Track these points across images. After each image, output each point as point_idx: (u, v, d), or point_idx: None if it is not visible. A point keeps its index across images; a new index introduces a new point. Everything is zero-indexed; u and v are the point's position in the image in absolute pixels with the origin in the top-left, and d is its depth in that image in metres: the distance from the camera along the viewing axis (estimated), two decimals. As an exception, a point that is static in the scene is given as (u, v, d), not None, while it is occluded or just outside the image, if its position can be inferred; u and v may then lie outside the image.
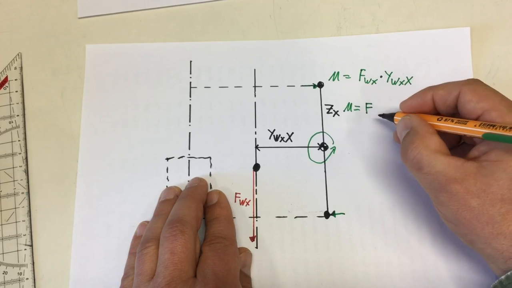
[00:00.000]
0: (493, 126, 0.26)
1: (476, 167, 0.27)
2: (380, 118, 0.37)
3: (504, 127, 0.25)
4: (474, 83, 0.29)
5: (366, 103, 0.38)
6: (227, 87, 0.39)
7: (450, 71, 0.37)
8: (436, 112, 0.32)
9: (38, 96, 0.39)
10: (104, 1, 0.41)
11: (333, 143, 0.37)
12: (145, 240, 0.31)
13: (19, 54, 0.40)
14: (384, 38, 0.39)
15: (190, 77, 0.39)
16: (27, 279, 0.35)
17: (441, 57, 0.38)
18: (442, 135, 0.29)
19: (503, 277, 0.27)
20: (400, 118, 0.32)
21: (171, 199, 0.34)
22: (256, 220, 0.36)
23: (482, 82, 0.29)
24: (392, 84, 0.38)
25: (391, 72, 0.38)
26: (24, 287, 0.35)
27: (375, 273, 0.34)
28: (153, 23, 0.40)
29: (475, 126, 0.27)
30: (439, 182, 0.27)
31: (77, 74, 0.39)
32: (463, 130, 0.28)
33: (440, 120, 0.30)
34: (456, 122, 0.29)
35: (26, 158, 0.38)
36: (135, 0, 0.41)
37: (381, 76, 0.38)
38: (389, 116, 0.35)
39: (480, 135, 0.27)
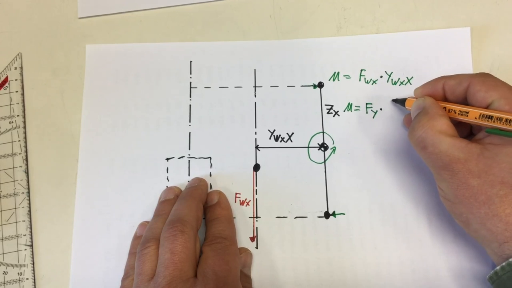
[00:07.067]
0: (491, 118, 0.28)
1: (480, 149, 0.28)
2: (380, 117, 0.37)
3: (500, 119, 0.27)
4: (484, 75, 0.30)
5: (366, 103, 0.38)
6: (227, 87, 0.39)
7: (450, 71, 0.37)
8: (446, 100, 0.33)
9: (38, 96, 0.39)
10: (104, 1, 0.41)
11: (333, 144, 0.37)
12: (145, 240, 0.31)
13: (19, 54, 0.40)
14: (384, 38, 0.39)
15: (190, 77, 0.39)
16: (27, 279, 0.35)
17: (441, 57, 0.38)
18: (456, 124, 0.30)
19: (498, 267, 0.27)
20: (412, 102, 0.33)
21: (171, 199, 0.34)
22: (256, 220, 0.36)
23: (492, 75, 0.30)
24: (392, 84, 0.38)
25: (391, 72, 0.38)
26: (24, 287, 0.35)
27: (375, 273, 0.34)
28: (153, 23, 0.40)
29: (475, 118, 0.29)
30: (442, 161, 0.28)
31: (77, 74, 0.39)
32: (465, 120, 0.30)
33: (444, 110, 0.31)
34: (458, 114, 0.30)
35: (26, 158, 0.38)
36: (135, 0, 0.41)
37: (381, 76, 0.38)
38: (401, 101, 0.36)
39: (478, 123, 0.29)
